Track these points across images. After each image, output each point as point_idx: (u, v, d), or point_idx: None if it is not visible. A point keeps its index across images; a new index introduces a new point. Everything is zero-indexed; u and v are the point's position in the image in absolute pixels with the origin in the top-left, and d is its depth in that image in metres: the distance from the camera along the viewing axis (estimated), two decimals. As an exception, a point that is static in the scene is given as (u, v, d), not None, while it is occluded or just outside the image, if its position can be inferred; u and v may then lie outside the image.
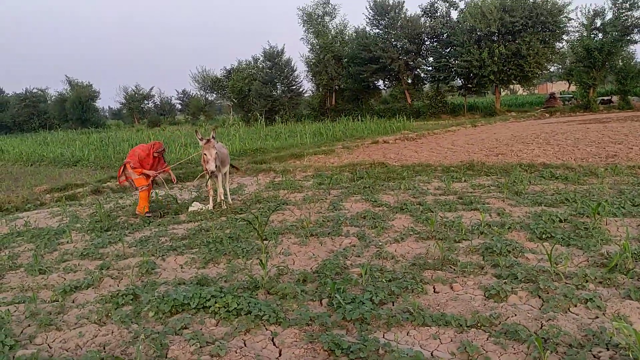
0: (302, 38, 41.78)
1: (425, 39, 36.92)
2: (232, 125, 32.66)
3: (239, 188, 10.06)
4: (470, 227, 5.70)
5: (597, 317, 3.37)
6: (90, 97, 55.94)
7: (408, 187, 8.61)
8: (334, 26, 40.92)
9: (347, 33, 40.79)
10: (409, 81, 38.55)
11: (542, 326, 3.26)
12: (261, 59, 42.79)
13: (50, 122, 55.53)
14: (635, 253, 4.38)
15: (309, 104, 44.43)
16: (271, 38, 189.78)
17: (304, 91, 43.40)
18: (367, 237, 5.67)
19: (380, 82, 40.67)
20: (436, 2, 36.44)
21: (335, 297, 3.77)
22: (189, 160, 12.40)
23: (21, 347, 3.38)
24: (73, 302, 4.27)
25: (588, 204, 6.25)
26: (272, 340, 3.33)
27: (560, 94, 42.91)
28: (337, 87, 41.46)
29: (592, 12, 32.36)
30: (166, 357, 3.13)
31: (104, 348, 3.33)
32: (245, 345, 3.29)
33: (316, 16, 40.29)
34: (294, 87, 41.86)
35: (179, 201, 8.69)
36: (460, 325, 3.33)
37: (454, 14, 36.04)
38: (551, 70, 41.95)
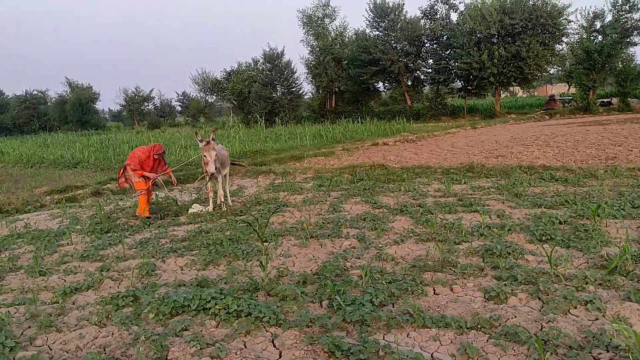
0: (302, 40, 41.97)
1: (425, 41, 36.96)
2: (232, 127, 32.62)
3: (238, 190, 10.07)
4: (470, 229, 5.71)
5: (597, 319, 3.37)
6: (90, 99, 56.10)
7: (408, 189, 8.61)
8: (334, 28, 41.01)
9: (347, 35, 40.84)
10: (409, 83, 38.58)
11: (542, 328, 3.27)
12: (261, 60, 42.88)
13: (50, 124, 55.71)
14: (635, 255, 4.38)
15: (309, 106, 44.45)
16: (271, 39, 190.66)
17: (303, 93, 43.45)
18: (367, 238, 5.67)
19: (380, 84, 40.71)
20: (436, 4, 36.51)
21: (336, 298, 3.77)
22: (189, 162, 12.41)
23: (21, 349, 3.39)
24: (73, 303, 4.28)
25: (588, 206, 6.26)
26: (273, 341, 3.34)
27: (560, 96, 42.87)
28: (337, 89, 41.46)
29: (591, 15, 32.51)
30: (166, 359, 3.13)
31: (104, 350, 3.33)
32: (245, 347, 3.29)
33: (316, 18, 40.34)
34: (294, 89, 41.85)
35: (179, 203, 8.70)
36: (460, 327, 3.34)
37: (454, 16, 36.22)
38: (551, 72, 41.94)
